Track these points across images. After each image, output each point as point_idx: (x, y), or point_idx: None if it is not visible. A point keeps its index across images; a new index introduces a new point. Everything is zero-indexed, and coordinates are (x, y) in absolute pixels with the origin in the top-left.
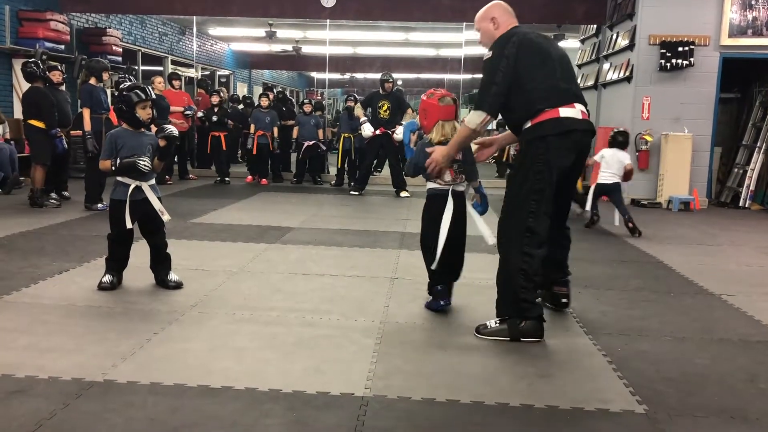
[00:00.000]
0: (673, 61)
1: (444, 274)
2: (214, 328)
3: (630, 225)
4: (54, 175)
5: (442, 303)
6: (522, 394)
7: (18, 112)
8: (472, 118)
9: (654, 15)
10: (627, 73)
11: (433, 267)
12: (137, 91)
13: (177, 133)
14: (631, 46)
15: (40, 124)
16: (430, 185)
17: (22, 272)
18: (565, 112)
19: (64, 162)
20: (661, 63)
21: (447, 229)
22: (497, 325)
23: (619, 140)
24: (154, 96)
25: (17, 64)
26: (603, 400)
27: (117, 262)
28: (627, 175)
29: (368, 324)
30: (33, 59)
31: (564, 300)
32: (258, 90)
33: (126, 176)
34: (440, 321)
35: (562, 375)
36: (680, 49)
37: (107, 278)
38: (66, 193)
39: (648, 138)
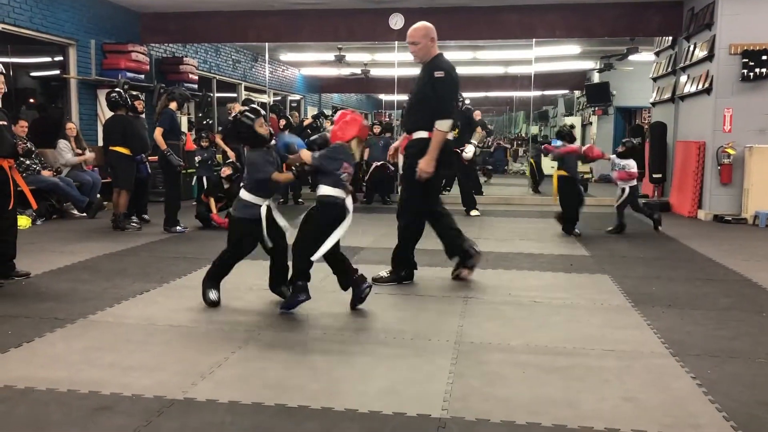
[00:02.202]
0: (757, 70)
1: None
2: (289, 347)
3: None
4: (135, 199)
5: (301, 298)
6: (606, 417)
7: (102, 140)
8: (444, 125)
9: (734, 23)
10: (706, 85)
11: (315, 258)
12: (247, 113)
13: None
14: (710, 57)
15: (125, 151)
16: (328, 191)
17: (106, 293)
18: (449, 134)
19: (144, 186)
20: (744, 73)
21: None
22: (388, 275)
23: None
24: (263, 112)
25: (101, 95)
26: (694, 426)
27: (224, 275)
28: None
29: (442, 344)
30: (116, 89)
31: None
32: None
33: (252, 194)
34: (517, 341)
35: (648, 398)
36: (764, 57)
37: (214, 296)
38: (146, 217)
39: (731, 151)
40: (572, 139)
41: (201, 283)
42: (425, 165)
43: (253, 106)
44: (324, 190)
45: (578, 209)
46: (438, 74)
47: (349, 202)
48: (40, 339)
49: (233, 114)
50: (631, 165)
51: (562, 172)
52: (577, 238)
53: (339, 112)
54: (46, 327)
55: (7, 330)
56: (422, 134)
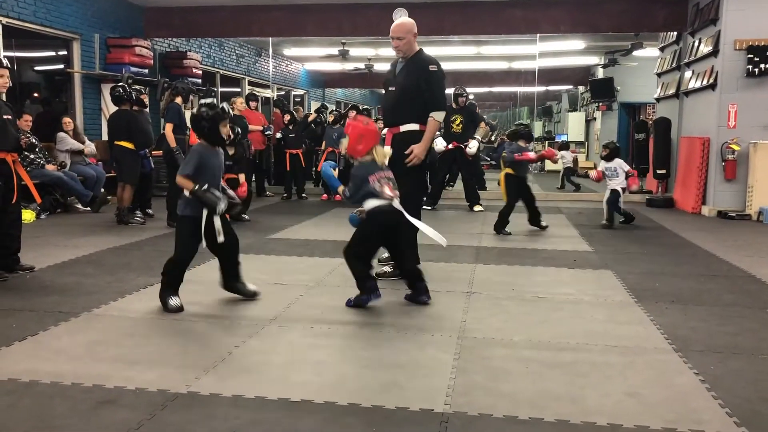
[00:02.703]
0: (762, 66)
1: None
2: (292, 342)
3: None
4: (139, 193)
5: (371, 299)
6: (609, 413)
7: (106, 135)
8: (440, 115)
9: (739, 19)
10: (711, 81)
11: (419, 265)
12: (218, 111)
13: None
14: (714, 53)
15: (129, 145)
16: (372, 203)
17: (110, 287)
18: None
19: (148, 181)
20: (749, 69)
21: (432, 231)
22: (392, 270)
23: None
24: (232, 114)
25: (105, 89)
26: (697, 421)
27: (178, 282)
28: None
29: (445, 339)
30: (120, 83)
31: None
32: (331, 108)
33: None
34: (520, 336)
35: (651, 393)
36: None
37: (176, 301)
38: (150, 211)
39: (735, 147)
40: (530, 139)
41: (159, 296)
42: (420, 151)
43: (224, 105)
44: (369, 204)
45: (533, 205)
46: (432, 68)
47: (397, 204)
48: (45, 332)
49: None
50: (622, 165)
51: (510, 171)
52: (582, 236)
53: (346, 124)
54: (50, 320)
55: (11, 323)
56: (413, 126)
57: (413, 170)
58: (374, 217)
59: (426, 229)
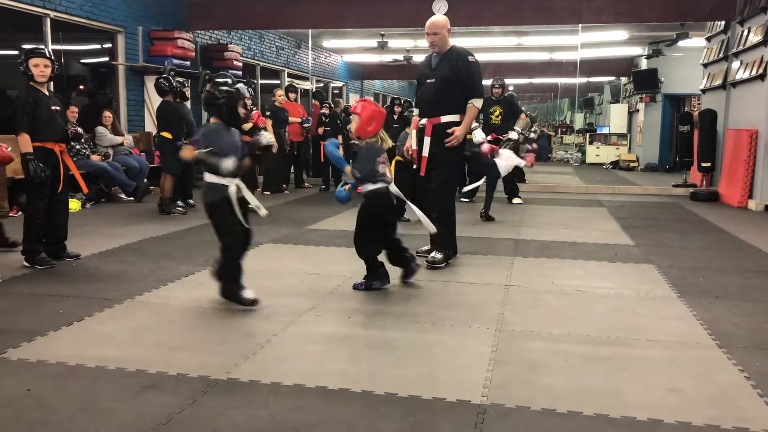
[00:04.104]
0: None
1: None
2: (330, 331)
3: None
4: (180, 184)
5: (378, 285)
6: (650, 408)
7: (148, 126)
8: (479, 102)
9: None
10: (760, 71)
11: (421, 217)
12: (238, 88)
13: (269, 140)
14: (764, 42)
15: (169, 136)
16: (370, 186)
17: (152, 275)
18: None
19: (189, 172)
20: None
21: (420, 211)
22: (440, 256)
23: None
24: (248, 96)
25: (148, 81)
26: (742, 419)
27: (240, 269)
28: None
29: (483, 331)
30: (164, 75)
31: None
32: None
33: (216, 175)
34: (559, 330)
35: (693, 390)
36: None
37: (250, 294)
38: (191, 201)
39: None
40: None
41: (225, 295)
42: (460, 132)
43: (240, 85)
44: (367, 186)
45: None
46: (471, 59)
47: (393, 188)
48: (90, 318)
49: (213, 87)
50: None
51: (400, 158)
52: (624, 229)
53: (355, 103)
54: (95, 307)
55: (59, 309)
56: (453, 117)
57: (452, 159)
58: (373, 201)
59: (420, 215)
